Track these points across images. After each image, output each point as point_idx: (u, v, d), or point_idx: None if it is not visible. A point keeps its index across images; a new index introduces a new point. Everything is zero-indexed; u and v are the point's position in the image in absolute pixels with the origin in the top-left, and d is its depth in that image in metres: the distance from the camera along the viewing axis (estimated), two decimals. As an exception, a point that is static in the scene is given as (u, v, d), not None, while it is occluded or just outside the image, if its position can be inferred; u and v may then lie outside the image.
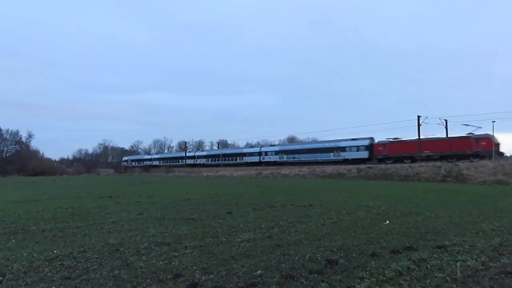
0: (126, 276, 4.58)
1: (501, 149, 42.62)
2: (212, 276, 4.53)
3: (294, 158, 59.20)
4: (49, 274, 4.69)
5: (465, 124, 43.20)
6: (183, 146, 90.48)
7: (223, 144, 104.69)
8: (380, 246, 5.98)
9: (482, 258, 5.20)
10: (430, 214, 9.77)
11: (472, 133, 43.13)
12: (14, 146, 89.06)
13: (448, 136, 44.83)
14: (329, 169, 41.62)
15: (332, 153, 54.13)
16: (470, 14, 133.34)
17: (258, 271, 4.67)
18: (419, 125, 44.42)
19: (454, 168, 30.06)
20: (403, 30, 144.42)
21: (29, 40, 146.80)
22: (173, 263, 5.14)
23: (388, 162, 44.79)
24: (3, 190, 24.14)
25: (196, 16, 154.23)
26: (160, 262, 5.16)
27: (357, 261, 5.09)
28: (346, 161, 50.40)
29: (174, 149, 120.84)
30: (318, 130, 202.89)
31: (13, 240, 6.84)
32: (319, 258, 5.29)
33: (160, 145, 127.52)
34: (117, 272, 4.73)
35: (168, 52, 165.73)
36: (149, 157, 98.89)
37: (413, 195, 15.49)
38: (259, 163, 63.73)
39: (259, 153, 66.56)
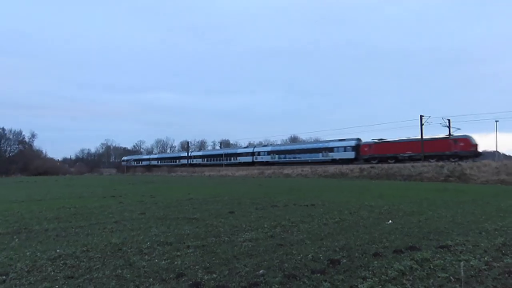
0: (128, 275, 4.59)
1: (479, 150, 43.92)
2: (214, 275, 4.53)
3: (285, 158, 61.34)
4: (52, 273, 4.71)
5: (445, 126, 44.56)
6: (185, 146, 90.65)
7: (225, 143, 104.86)
8: (382, 246, 5.97)
9: (486, 258, 5.18)
10: (432, 213, 9.75)
11: (452, 134, 44.53)
12: (17, 146, 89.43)
13: (430, 137, 46.00)
14: (331, 168, 41.61)
15: (321, 154, 56.17)
16: (473, 13, 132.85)
17: (261, 271, 4.67)
18: (421, 124, 44.35)
19: (457, 168, 29.96)
20: (405, 30, 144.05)
21: (31, 40, 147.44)
22: (176, 262, 5.15)
23: (374, 162, 46.60)
24: (6, 190, 24.26)
25: (198, 16, 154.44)
26: (163, 262, 5.17)
27: (359, 261, 5.08)
28: (334, 161, 52.59)
29: (176, 148, 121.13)
30: (320, 130, 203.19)
31: (17, 240, 6.87)
32: (321, 257, 5.29)
33: (162, 145, 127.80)
34: (120, 271, 4.75)
35: (171, 51, 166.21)
36: (147, 157, 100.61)
37: (415, 195, 15.46)
38: (252, 163, 65.92)
39: (252, 153, 68.55)
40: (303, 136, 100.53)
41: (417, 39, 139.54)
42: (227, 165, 69.65)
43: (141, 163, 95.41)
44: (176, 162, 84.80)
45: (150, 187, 25.10)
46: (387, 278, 4.34)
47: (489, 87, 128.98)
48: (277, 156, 62.98)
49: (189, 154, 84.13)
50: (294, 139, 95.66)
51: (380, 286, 4.10)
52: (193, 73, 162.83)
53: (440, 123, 47.25)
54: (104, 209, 11.50)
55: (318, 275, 4.47)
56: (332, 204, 12.21)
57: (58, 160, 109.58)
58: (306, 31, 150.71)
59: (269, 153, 65.48)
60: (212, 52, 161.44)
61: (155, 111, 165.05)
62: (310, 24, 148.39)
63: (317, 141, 63.36)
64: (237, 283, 4.25)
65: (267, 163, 62.42)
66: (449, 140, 43.38)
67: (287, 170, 47.04)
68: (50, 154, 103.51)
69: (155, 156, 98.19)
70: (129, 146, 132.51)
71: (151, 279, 4.42)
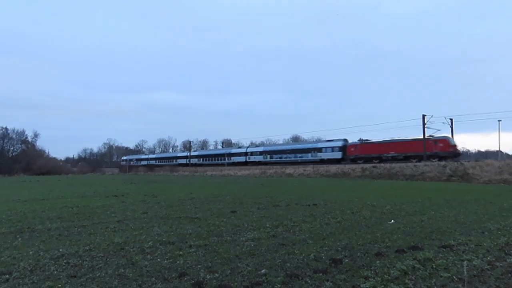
0: (131, 274, 4.60)
1: (458, 150, 45.20)
2: (216, 275, 4.54)
3: (277, 158, 62.92)
4: (55, 272, 4.72)
5: (427, 127, 44.87)
6: (187, 145, 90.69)
7: (227, 143, 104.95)
8: (385, 246, 5.96)
9: (488, 258, 5.16)
10: (435, 213, 9.72)
11: (432, 135, 45.08)
12: (20, 146, 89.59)
13: (411, 138, 46.77)
14: (333, 168, 41.56)
15: (310, 154, 57.79)
16: (475, 13, 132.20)
17: (263, 270, 4.67)
18: (424, 124, 44.26)
19: (460, 167, 29.84)
20: (406, 30, 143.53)
21: (33, 41, 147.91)
22: (178, 262, 5.16)
23: (360, 162, 47.83)
24: (9, 189, 24.34)
25: (198, 16, 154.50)
26: (165, 261, 5.18)
27: (362, 261, 5.07)
28: (322, 161, 54.51)
29: (178, 148, 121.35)
30: (322, 129, 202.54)
31: (19, 239, 6.89)
32: (323, 257, 5.28)
33: (164, 145, 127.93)
34: (122, 270, 4.76)
35: (173, 51, 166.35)
36: (146, 156, 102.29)
37: (418, 195, 15.42)
38: (245, 163, 67.46)
39: (245, 154, 70.13)
40: (305, 135, 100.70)
41: (418, 39, 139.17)
42: (229, 164, 70.00)
43: (140, 162, 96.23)
44: (173, 162, 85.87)
45: (152, 186, 25.14)
46: (390, 277, 4.34)
47: (490, 87, 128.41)
48: (268, 156, 64.61)
49: (187, 154, 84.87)
50: (296, 139, 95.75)
51: (383, 286, 4.09)
52: (194, 73, 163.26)
53: (443, 123, 47.36)
54: (106, 209, 11.53)
55: (320, 274, 4.47)
56: (334, 203, 12.20)
57: (61, 159, 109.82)
58: (306, 31, 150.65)
59: (261, 153, 67.03)
60: (213, 52, 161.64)
61: (157, 111, 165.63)
62: (310, 24, 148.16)
63: (306, 141, 65.98)
64: (239, 283, 4.25)
65: (259, 163, 64.03)
66: (430, 141, 43.93)
67: (289, 169, 47.03)
68: (53, 154, 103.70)
69: (153, 156, 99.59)
70: (131, 145, 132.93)
71: (154, 278, 4.43)
